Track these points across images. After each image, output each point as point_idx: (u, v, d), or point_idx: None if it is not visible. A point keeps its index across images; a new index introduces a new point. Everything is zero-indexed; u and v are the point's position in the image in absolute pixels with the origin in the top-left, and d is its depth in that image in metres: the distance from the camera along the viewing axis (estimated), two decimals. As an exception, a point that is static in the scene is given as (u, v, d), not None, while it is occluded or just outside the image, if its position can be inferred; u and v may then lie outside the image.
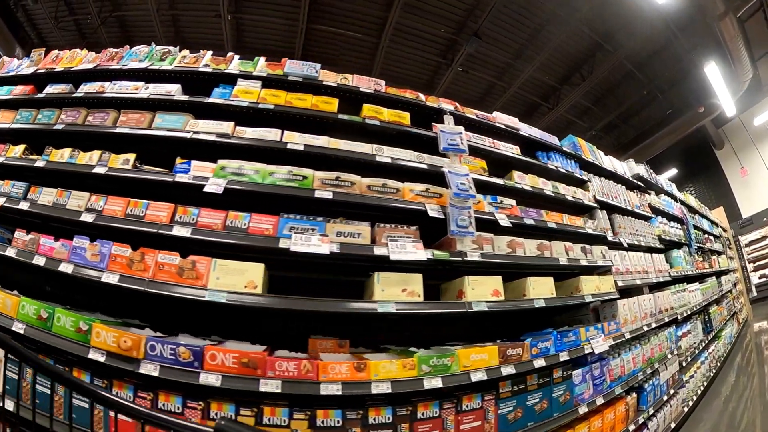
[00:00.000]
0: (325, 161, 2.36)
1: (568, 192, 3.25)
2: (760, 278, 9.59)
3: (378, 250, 2.03)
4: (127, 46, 2.91)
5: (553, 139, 3.54)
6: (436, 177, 2.46)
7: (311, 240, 1.98)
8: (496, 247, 2.46)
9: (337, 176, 2.23)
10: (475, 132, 2.90)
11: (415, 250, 2.04)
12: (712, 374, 5.03)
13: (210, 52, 2.76)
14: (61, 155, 2.31)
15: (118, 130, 2.30)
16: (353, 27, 8.85)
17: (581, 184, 3.58)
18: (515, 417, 2.18)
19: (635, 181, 4.74)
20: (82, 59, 2.76)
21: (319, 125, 2.55)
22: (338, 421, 1.68)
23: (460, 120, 2.87)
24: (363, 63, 9.58)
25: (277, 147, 2.29)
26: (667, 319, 3.86)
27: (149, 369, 1.62)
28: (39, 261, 1.97)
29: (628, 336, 3.12)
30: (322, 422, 1.66)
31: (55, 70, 2.73)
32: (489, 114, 3.14)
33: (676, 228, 5.35)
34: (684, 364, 4.14)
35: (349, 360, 1.80)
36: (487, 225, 2.49)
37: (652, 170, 5.70)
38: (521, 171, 3.00)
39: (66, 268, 1.90)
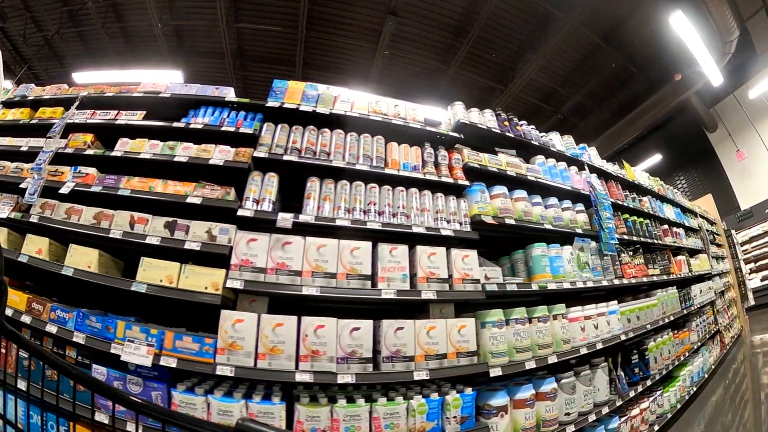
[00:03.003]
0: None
1: (185, 152, 2.78)
2: (762, 281, 7.51)
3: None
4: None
5: (220, 93, 3.12)
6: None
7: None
8: (56, 213, 2.66)
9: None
10: (109, 108, 3.17)
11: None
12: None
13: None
14: None
15: None
16: (270, 20, 8.70)
17: (251, 141, 2.83)
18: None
19: (452, 134, 3.24)
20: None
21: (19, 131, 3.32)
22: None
23: (90, 100, 3.27)
24: (286, 54, 9.38)
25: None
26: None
27: None
28: None
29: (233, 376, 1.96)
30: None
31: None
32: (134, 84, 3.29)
33: (563, 209, 3.56)
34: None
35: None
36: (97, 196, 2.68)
37: (522, 121, 3.88)
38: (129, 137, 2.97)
39: None
